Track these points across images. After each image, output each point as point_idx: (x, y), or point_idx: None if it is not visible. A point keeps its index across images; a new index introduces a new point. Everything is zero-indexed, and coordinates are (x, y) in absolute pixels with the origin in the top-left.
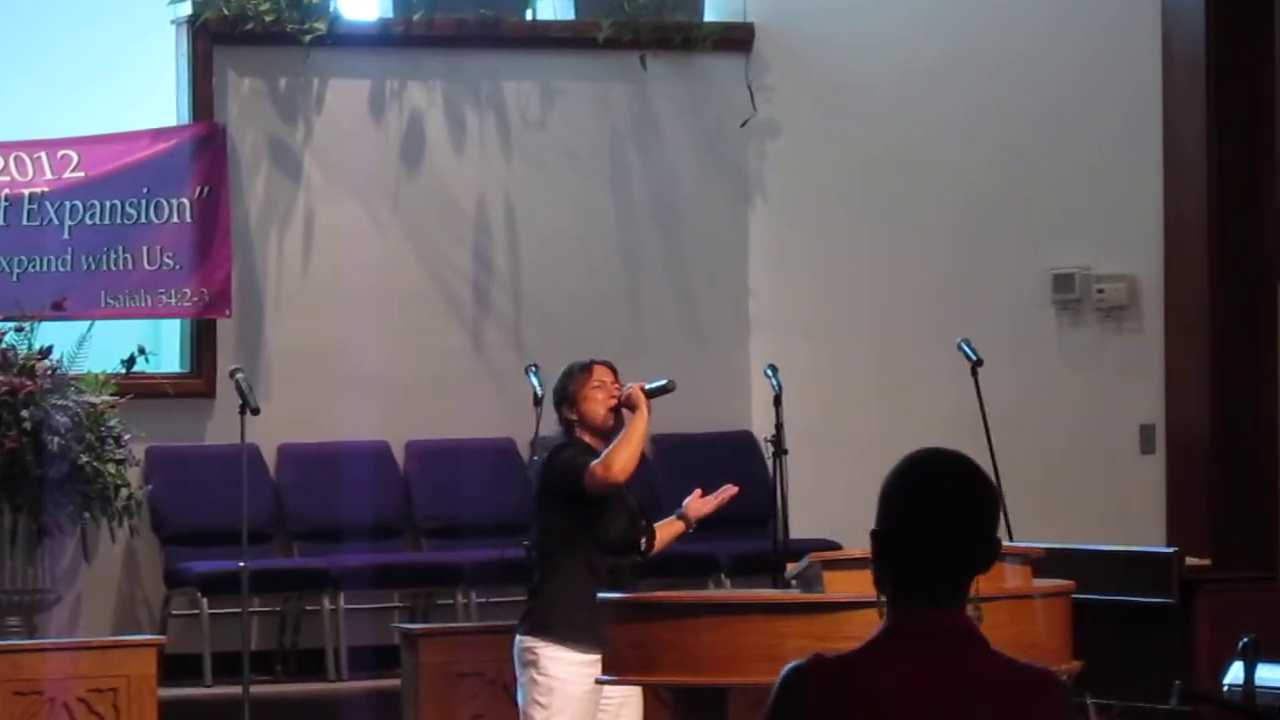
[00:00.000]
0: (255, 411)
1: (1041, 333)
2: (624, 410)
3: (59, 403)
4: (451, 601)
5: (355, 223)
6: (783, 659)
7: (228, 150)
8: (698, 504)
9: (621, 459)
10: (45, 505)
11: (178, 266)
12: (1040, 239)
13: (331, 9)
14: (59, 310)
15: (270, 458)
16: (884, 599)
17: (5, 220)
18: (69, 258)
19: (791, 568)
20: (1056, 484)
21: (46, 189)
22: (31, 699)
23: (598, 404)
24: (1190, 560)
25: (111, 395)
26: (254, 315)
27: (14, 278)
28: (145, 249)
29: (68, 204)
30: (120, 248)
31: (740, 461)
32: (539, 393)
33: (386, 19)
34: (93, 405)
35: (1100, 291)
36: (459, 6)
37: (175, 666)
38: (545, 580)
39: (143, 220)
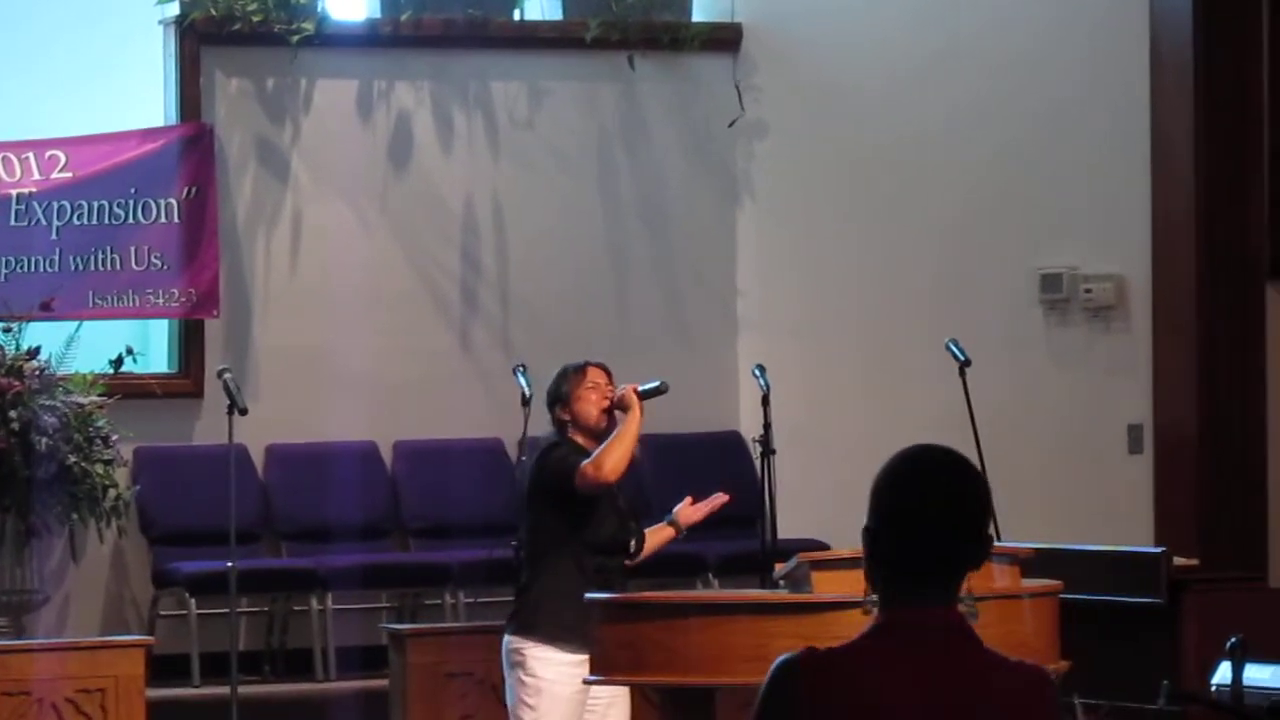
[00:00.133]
0: (243, 412)
1: (1029, 333)
2: (617, 412)
3: (47, 403)
4: (439, 602)
5: (343, 223)
6: (771, 659)
7: (215, 150)
8: (688, 511)
9: (613, 458)
10: (33, 506)
11: (165, 267)
12: (1028, 239)
13: (319, 9)
14: (47, 310)
15: (258, 458)
16: (874, 597)
17: None
18: (57, 258)
19: (779, 568)
20: (1045, 484)
21: (34, 189)
22: (19, 699)
23: (591, 405)
24: (1178, 560)
25: (99, 395)
26: (242, 315)
27: (2, 278)
28: (133, 249)
29: (55, 204)
30: (108, 248)
31: (728, 461)
32: (527, 393)
33: (374, 19)
34: (81, 406)
35: (1088, 291)
36: (447, 7)
37: (163, 667)
38: (533, 580)
39: (130, 220)
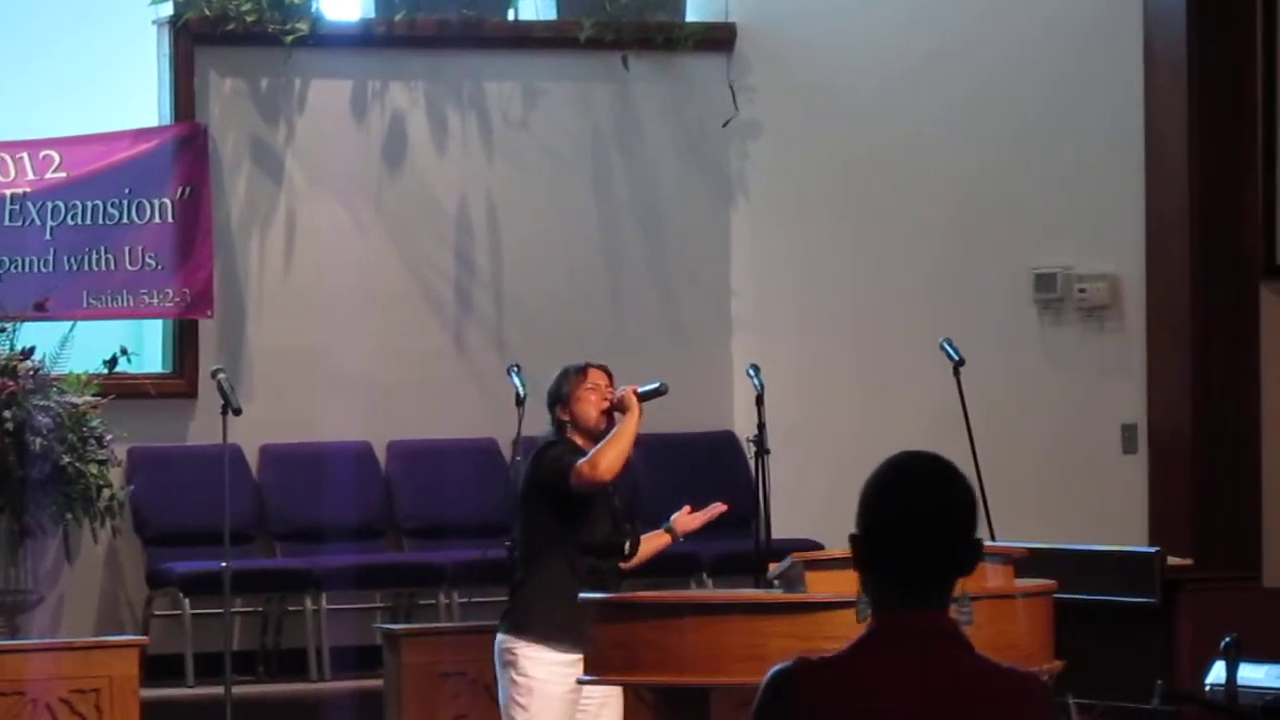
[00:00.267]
0: (237, 412)
1: (1023, 332)
2: (616, 414)
3: (41, 403)
4: (434, 602)
5: (337, 223)
6: (765, 659)
7: (209, 151)
8: (686, 519)
9: (609, 458)
10: (27, 506)
11: (159, 267)
12: (1022, 239)
13: (313, 9)
14: (41, 311)
15: (252, 458)
16: (867, 600)
17: None
18: (51, 258)
19: (774, 568)
20: (1038, 484)
21: (28, 189)
22: (13, 699)
23: (591, 406)
24: (1172, 560)
25: (94, 396)
26: (236, 316)
27: None
28: (127, 249)
29: (50, 204)
30: (102, 248)
31: (722, 461)
32: (521, 393)
33: (368, 19)
34: (75, 406)
35: (1082, 291)
36: (441, 7)
37: (157, 667)
38: (526, 579)
39: (124, 221)
